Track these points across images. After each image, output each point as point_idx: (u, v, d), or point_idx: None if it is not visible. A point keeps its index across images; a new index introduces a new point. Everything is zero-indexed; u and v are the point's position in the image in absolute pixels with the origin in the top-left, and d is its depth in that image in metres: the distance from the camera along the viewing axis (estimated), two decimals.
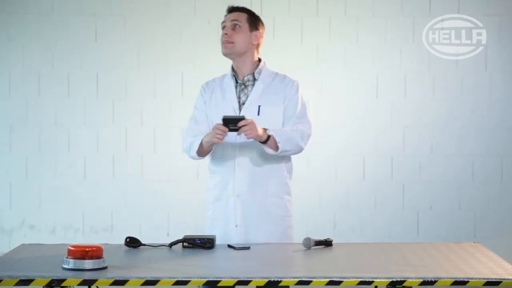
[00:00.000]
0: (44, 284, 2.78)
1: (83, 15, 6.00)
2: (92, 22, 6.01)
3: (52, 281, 2.77)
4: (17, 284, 2.76)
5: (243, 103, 3.65)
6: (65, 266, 2.90)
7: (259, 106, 3.61)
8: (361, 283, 2.79)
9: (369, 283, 2.79)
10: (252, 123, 3.44)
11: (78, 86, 6.04)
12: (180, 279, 2.79)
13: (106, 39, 6.02)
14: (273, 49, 5.91)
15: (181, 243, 3.36)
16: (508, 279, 2.79)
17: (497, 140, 6.04)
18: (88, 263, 2.88)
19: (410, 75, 6.04)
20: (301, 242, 3.40)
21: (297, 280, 2.79)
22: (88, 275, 2.81)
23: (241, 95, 3.67)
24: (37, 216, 6.05)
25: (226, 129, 3.44)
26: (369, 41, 6.02)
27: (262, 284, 2.80)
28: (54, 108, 6.03)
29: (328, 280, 2.79)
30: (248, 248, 3.34)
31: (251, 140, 3.52)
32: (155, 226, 6.03)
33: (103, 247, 2.95)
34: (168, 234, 5.99)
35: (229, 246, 3.39)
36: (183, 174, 6.02)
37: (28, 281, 2.77)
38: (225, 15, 3.82)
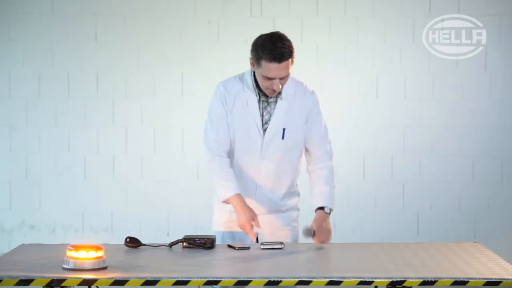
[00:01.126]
0: (44, 284, 2.78)
1: (83, 15, 6.00)
2: (92, 22, 6.01)
3: (52, 281, 2.78)
4: (17, 284, 2.76)
5: (266, 122, 3.57)
6: (65, 266, 2.90)
7: (283, 130, 3.55)
8: (361, 283, 2.79)
9: (369, 283, 2.79)
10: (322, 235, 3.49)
11: (78, 86, 6.03)
12: (180, 279, 2.79)
13: (106, 39, 6.02)
14: None
15: (181, 243, 3.36)
16: (508, 279, 2.79)
17: (497, 140, 6.04)
18: (88, 263, 2.88)
19: (410, 75, 6.04)
20: (300, 241, 3.41)
21: (297, 280, 2.79)
22: (88, 275, 2.81)
23: (264, 113, 3.58)
24: (37, 216, 6.05)
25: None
26: (369, 41, 6.02)
27: (262, 284, 2.80)
28: (54, 108, 6.03)
29: (328, 280, 2.79)
30: (248, 248, 3.34)
31: (273, 163, 3.57)
32: (155, 226, 6.02)
33: (103, 247, 2.95)
34: (168, 234, 5.99)
35: (229, 246, 3.39)
36: (183, 174, 6.02)
37: (28, 281, 2.77)
38: (268, 63, 3.44)
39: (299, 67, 5.88)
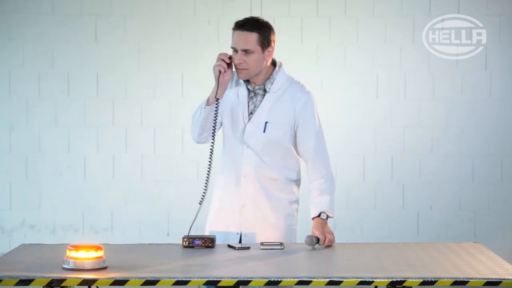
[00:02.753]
0: (44, 284, 2.78)
1: (83, 15, 6.00)
2: (92, 22, 6.01)
3: (52, 281, 2.78)
4: (17, 284, 2.76)
5: (251, 112, 3.56)
6: (65, 266, 2.90)
7: (265, 123, 3.52)
8: (361, 283, 2.79)
9: (369, 283, 2.79)
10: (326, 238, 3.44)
11: (78, 86, 6.03)
12: (180, 279, 2.79)
13: (106, 39, 6.02)
14: None
15: (181, 243, 3.36)
16: (508, 279, 2.79)
17: (497, 140, 6.04)
18: (88, 263, 2.88)
19: (410, 75, 6.04)
20: (302, 241, 3.41)
21: (297, 280, 2.79)
22: (88, 275, 2.81)
23: (250, 103, 3.57)
24: (37, 216, 6.05)
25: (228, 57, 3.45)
26: (369, 41, 6.02)
27: (262, 284, 2.80)
28: (54, 108, 6.03)
29: (328, 280, 2.79)
30: (248, 248, 3.34)
31: (255, 154, 3.54)
32: (155, 226, 6.02)
33: (103, 247, 2.95)
34: (168, 234, 6.00)
35: (229, 246, 3.39)
36: (183, 174, 6.02)
37: (28, 281, 2.77)
38: (233, 32, 3.49)
39: (299, 67, 5.95)
